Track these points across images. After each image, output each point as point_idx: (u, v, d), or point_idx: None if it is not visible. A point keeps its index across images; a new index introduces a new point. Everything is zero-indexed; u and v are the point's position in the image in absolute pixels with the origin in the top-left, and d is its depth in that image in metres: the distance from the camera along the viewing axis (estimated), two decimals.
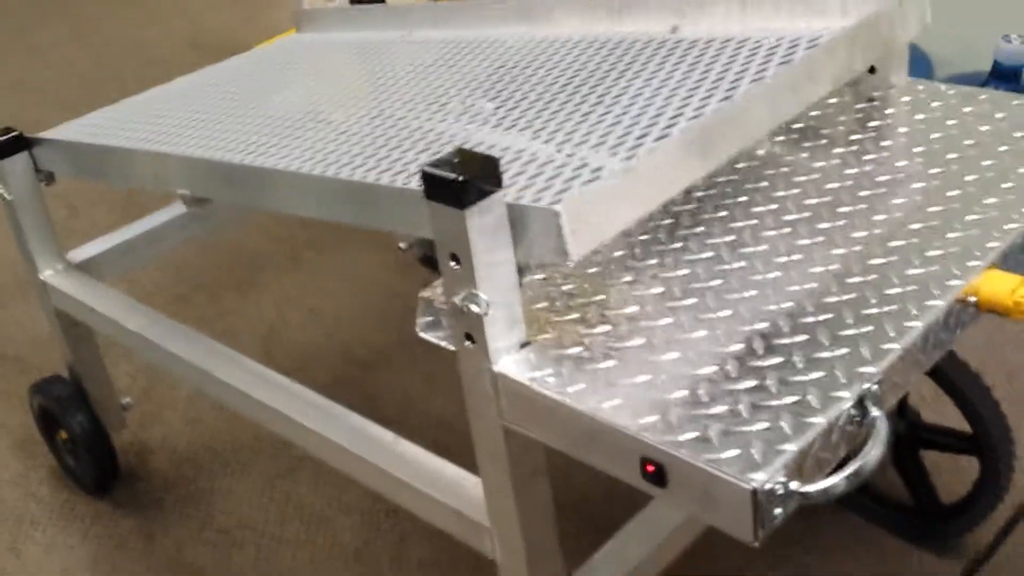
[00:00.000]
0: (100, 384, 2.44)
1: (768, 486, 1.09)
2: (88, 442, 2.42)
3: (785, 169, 1.62)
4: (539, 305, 1.41)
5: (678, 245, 1.49)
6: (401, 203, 1.41)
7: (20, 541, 2.40)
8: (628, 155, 1.37)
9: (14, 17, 5.65)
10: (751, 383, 1.22)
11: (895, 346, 1.24)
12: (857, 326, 1.28)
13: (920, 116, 1.72)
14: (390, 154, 1.57)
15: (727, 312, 1.34)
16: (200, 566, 2.28)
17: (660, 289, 1.40)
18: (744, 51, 1.61)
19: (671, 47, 1.72)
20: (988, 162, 1.57)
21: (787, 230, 1.48)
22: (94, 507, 2.47)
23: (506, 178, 1.38)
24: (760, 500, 1.09)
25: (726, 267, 1.42)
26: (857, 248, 1.42)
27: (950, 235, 1.42)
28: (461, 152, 1.25)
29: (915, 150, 1.62)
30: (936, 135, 1.66)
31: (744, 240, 1.47)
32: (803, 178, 1.59)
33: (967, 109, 1.72)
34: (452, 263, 1.26)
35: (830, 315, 1.30)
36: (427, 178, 1.23)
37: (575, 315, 1.38)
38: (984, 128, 1.66)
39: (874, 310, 1.30)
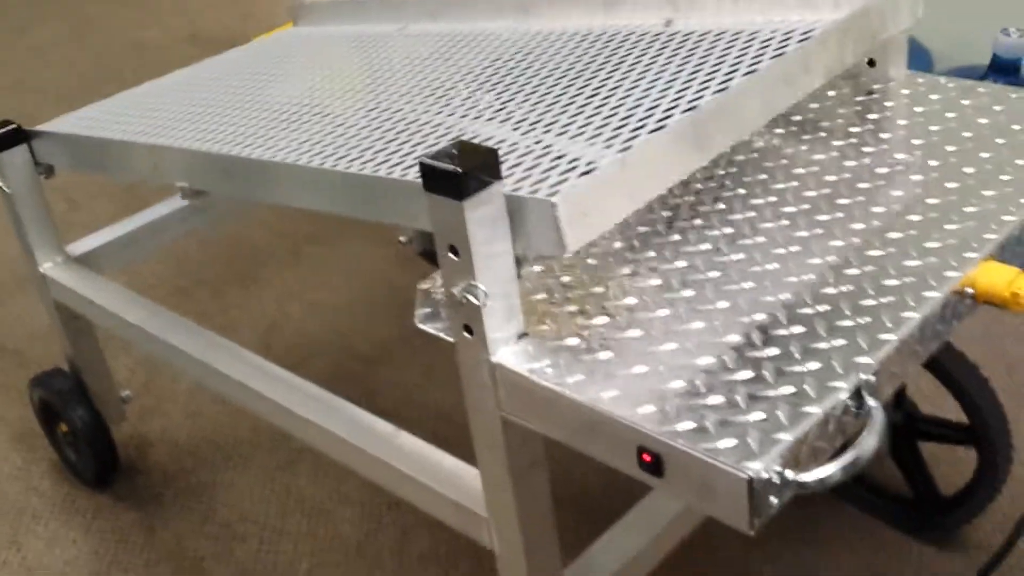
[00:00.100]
0: (100, 377, 2.44)
1: (764, 475, 1.10)
2: (88, 435, 2.43)
3: (784, 161, 1.63)
4: (537, 296, 1.41)
5: (676, 237, 1.49)
6: (400, 195, 1.42)
7: (21, 535, 2.41)
8: (623, 147, 1.37)
9: (13, 16, 5.65)
10: (748, 374, 1.22)
11: (892, 337, 1.24)
12: (854, 317, 1.28)
13: (919, 109, 1.72)
14: (387, 146, 1.58)
15: (725, 303, 1.34)
16: (201, 559, 2.29)
17: (658, 281, 1.40)
18: (738, 44, 1.61)
19: (665, 40, 1.72)
20: (986, 154, 1.57)
21: (786, 222, 1.48)
22: (95, 501, 2.47)
23: (503, 170, 1.38)
24: (756, 489, 1.10)
25: (724, 259, 1.42)
26: (855, 240, 1.42)
27: (948, 227, 1.42)
28: (460, 144, 1.25)
29: (914, 142, 1.63)
30: (935, 128, 1.66)
31: (743, 232, 1.47)
32: (802, 170, 1.60)
33: (966, 102, 1.72)
34: (451, 255, 1.26)
35: (827, 306, 1.31)
36: (426, 169, 1.24)
37: (573, 307, 1.38)
38: (983, 121, 1.66)
39: (871, 301, 1.30)
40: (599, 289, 1.41)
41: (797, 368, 1.22)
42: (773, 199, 1.54)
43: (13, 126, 2.17)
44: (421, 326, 1.42)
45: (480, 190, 1.22)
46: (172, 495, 2.46)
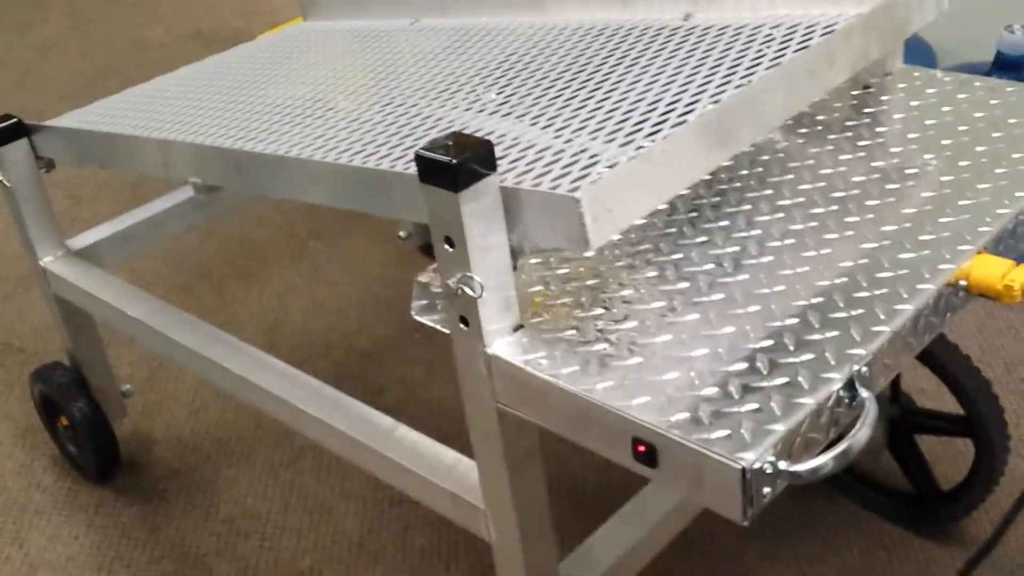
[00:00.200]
0: (100, 371, 2.45)
1: (757, 465, 1.10)
2: (88, 428, 2.43)
3: (780, 155, 1.63)
4: (533, 288, 1.42)
5: (672, 230, 1.49)
6: (400, 188, 1.42)
7: (24, 530, 2.41)
8: (645, 143, 1.36)
9: (16, 15, 5.66)
10: (742, 365, 1.23)
11: (885, 329, 1.25)
12: (848, 309, 1.29)
13: (915, 103, 1.72)
14: (401, 141, 1.58)
15: (719, 295, 1.35)
16: (204, 555, 2.29)
17: (654, 273, 1.41)
18: (759, 37, 1.60)
19: (684, 34, 1.71)
20: (982, 148, 1.58)
21: (781, 215, 1.49)
22: (98, 496, 2.48)
23: (521, 166, 1.38)
24: (749, 479, 1.10)
25: (719, 251, 1.43)
26: (850, 232, 1.43)
27: (942, 219, 1.43)
28: (456, 135, 1.26)
29: (910, 136, 1.63)
30: (931, 121, 1.66)
31: (737, 225, 1.48)
32: (798, 164, 1.60)
33: (962, 96, 1.73)
34: (446, 246, 1.27)
35: (821, 298, 1.31)
36: (421, 161, 1.24)
37: (569, 298, 1.39)
38: (979, 115, 1.67)
39: (865, 293, 1.31)
40: (595, 281, 1.42)
41: (790, 359, 1.22)
42: (768, 192, 1.54)
43: (14, 120, 2.18)
44: (418, 318, 1.43)
45: (475, 182, 1.23)
46: (175, 491, 2.46)
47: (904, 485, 2.13)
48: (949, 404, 1.99)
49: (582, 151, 1.39)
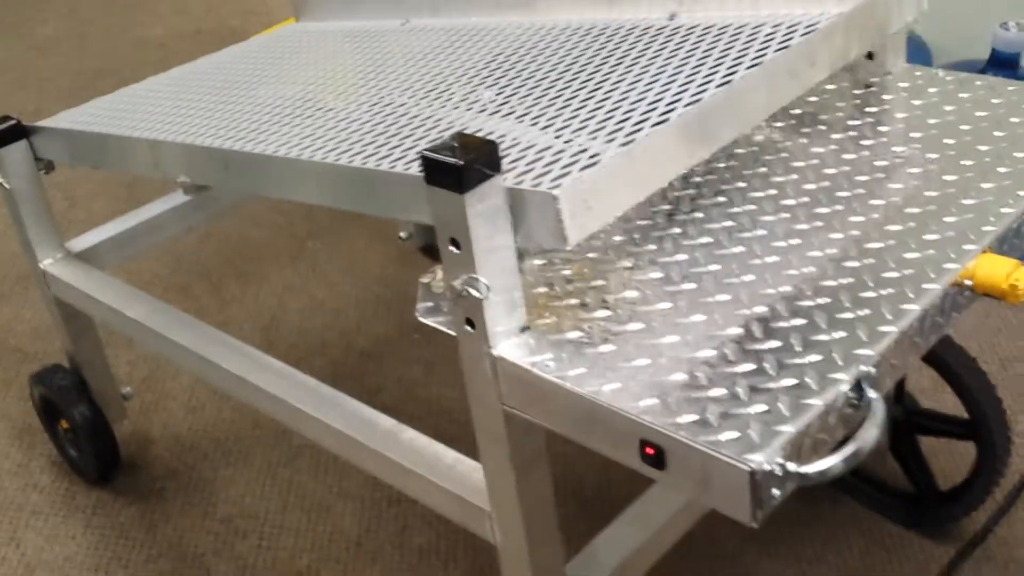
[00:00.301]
0: (100, 373, 2.45)
1: (766, 467, 1.10)
2: (89, 432, 2.43)
3: (783, 155, 1.63)
4: (538, 290, 1.42)
5: (677, 230, 1.49)
6: (401, 189, 1.42)
7: (21, 531, 2.41)
8: (626, 140, 1.37)
9: (14, 14, 5.64)
10: (749, 366, 1.22)
11: (892, 329, 1.25)
12: (854, 309, 1.29)
13: (917, 102, 1.72)
14: (389, 141, 1.58)
15: (726, 296, 1.34)
16: (202, 554, 2.29)
17: (659, 274, 1.41)
18: (742, 37, 1.61)
19: (669, 34, 1.72)
20: (984, 147, 1.58)
21: (785, 215, 1.48)
22: (95, 496, 2.47)
23: (505, 164, 1.39)
24: (758, 481, 1.10)
25: (724, 252, 1.43)
26: (855, 233, 1.42)
27: (947, 219, 1.43)
28: (461, 137, 1.26)
29: (912, 135, 1.63)
30: (933, 121, 1.66)
31: (743, 225, 1.48)
32: (801, 164, 1.60)
33: (964, 95, 1.73)
34: (452, 248, 1.27)
35: (828, 299, 1.31)
36: (427, 162, 1.24)
37: (574, 300, 1.39)
38: (981, 114, 1.67)
39: (871, 294, 1.31)
40: (600, 282, 1.41)
41: (798, 360, 1.22)
42: (773, 192, 1.54)
43: (13, 121, 2.17)
44: (422, 320, 1.42)
45: (481, 183, 1.23)
46: (173, 490, 2.46)
47: (904, 484, 2.13)
48: (948, 403, 1.99)
49: (565, 148, 1.39)
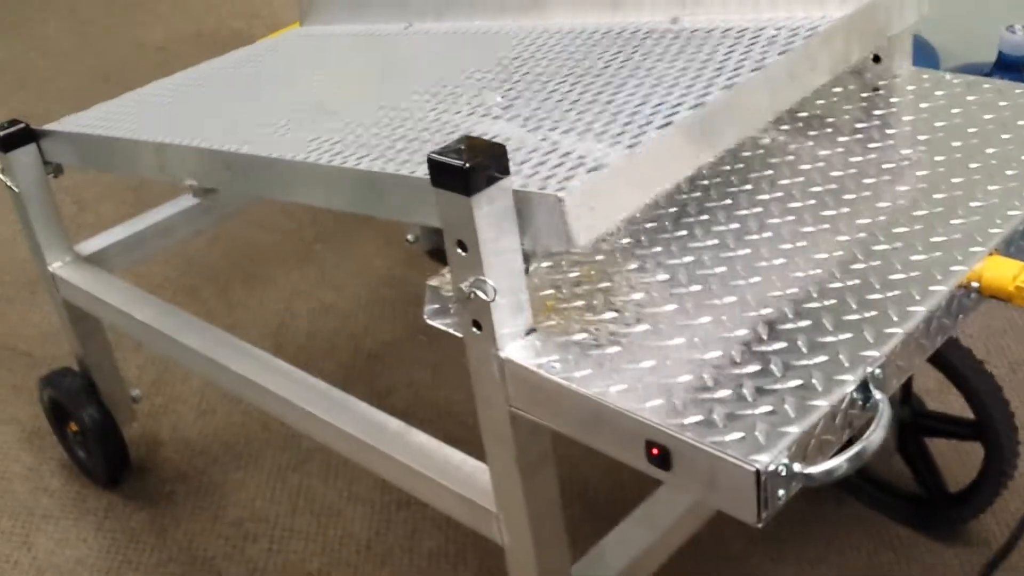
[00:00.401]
0: (109, 376, 2.45)
1: (772, 468, 1.10)
2: (98, 434, 2.43)
3: (790, 157, 1.63)
4: (545, 292, 1.42)
5: (683, 233, 1.50)
6: (408, 191, 1.43)
7: (32, 534, 2.42)
8: (631, 144, 1.37)
9: (16, 18, 5.65)
10: (755, 367, 1.23)
11: (898, 330, 1.25)
12: (861, 311, 1.29)
13: (924, 105, 1.72)
14: (395, 144, 1.58)
15: (732, 298, 1.35)
16: (212, 558, 2.29)
17: (665, 276, 1.41)
18: (744, 40, 1.62)
19: (672, 37, 1.72)
20: (991, 150, 1.58)
21: (792, 217, 1.49)
22: (106, 500, 2.48)
23: (511, 167, 1.39)
24: (764, 482, 1.10)
25: (731, 254, 1.43)
26: (861, 235, 1.43)
27: (953, 221, 1.43)
28: (468, 139, 1.26)
29: (919, 138, 1.63)
30: (940, 123, 1.67)
31: (749, 227, 1.48)
32: (808, 166, 1.60)
33: (971, 98, 1.73)
34: (459, 250, 1.27)
35: (834, 300, 1.31)
36: (434, 165, 1.25)
37: (581, 302, 1.39)
38: (988, 116, 1.67)
39: (877, 295, 1.31)
40: (607, 284, 1.42)
41: (804, 361, 1.22)
42: (779, 194, 1.54)
43: (22, 125, 2.18)
44: (430, 322, 1.43)
45: (488, 186, 1.23)
46: (183, 494, 2.46)
47: (913, 487, 2.13)
48: (955, 404, 1.99)
49: (570, 151, 1.40)
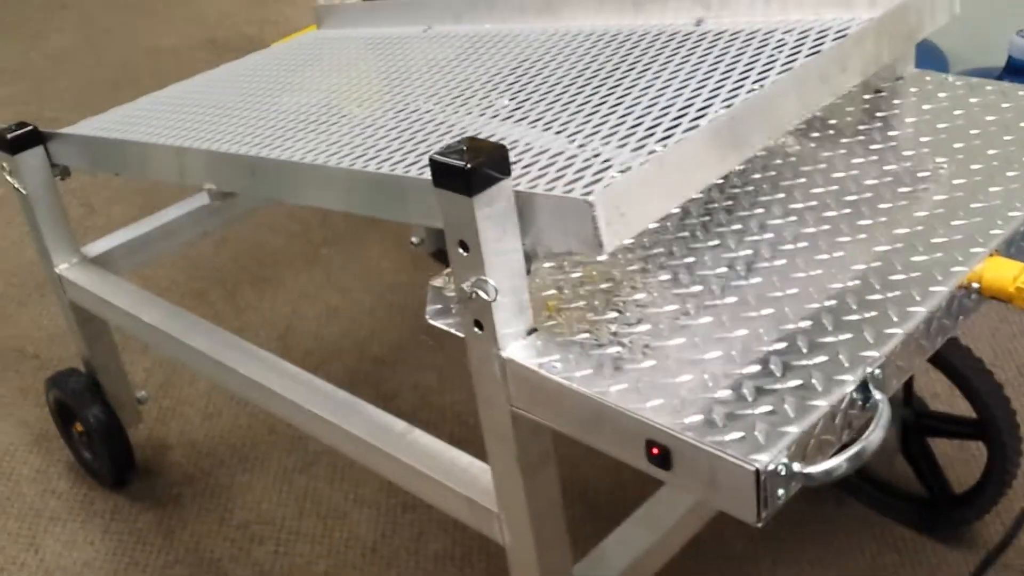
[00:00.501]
0: (115, 377, 2.46)
1: (771, 467, 1.11)
2: (103, 435, 2.44)
3: (792, 159, 1.64)
4: (547, 292, 1.42)
5: (685, 233, 1.50)
6: (415, 193, 1.43)
7: (39, 536, 2.42)
8: (657, 148, 1.37)
9: (30, 25, 5.68)
10: (756, 367, 1.23)
11: (898, 331, 1.25)
12: (861, 312, 1.29)
13: (927, 107, 1.73)
14: (415, 147, 1.58)
15: (733, 299, 1.35)
16: (218, 560, 2.30)
17: (667, 276, 1.41)
18: (772, 42, 1.60)
19: (696, 39, 1.71)
20: (993, 151, 1.58)
21: (793, 219, 1.49)
22: (113, 502, 2.49)
23: (534, 171, 1.39)
24: (763, 481, 1.11)
25: (732, 255, 1.43)
26: (862, 236, 1.43)
27: (954, 222, 1.43)
28: (469, 140, 1.27)
29: (922, 140, 1.63)
30: (943, 125, 1.67)
31: (750, 228, 1.48)
32: (810, 167, 1.61)
33: (974, 100, 1.73)
34: (461, 250, 1.28)
35: (835, 301, 1.31)
36: (435, 166, 1.25)
37: (582, 302, 1.40)
38: (990, 118, 1.67)
39: (878, 296, 1.31)
40: (608, 285, 1.42)
41: (804, 361, 1.23)
42: (781, 196, 1.55)
43: (29, 128, 2.19)
44: (432, 322, 1.43)
45: (489, 186, 1.24)
46: (190, 496, 2.47)
47: (916, 488, 2.13)
48: (962, 408, 1.99)
49: (595, 156, 1.39)
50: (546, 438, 1.40)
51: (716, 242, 1.47)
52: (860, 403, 1.20)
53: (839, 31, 1.57)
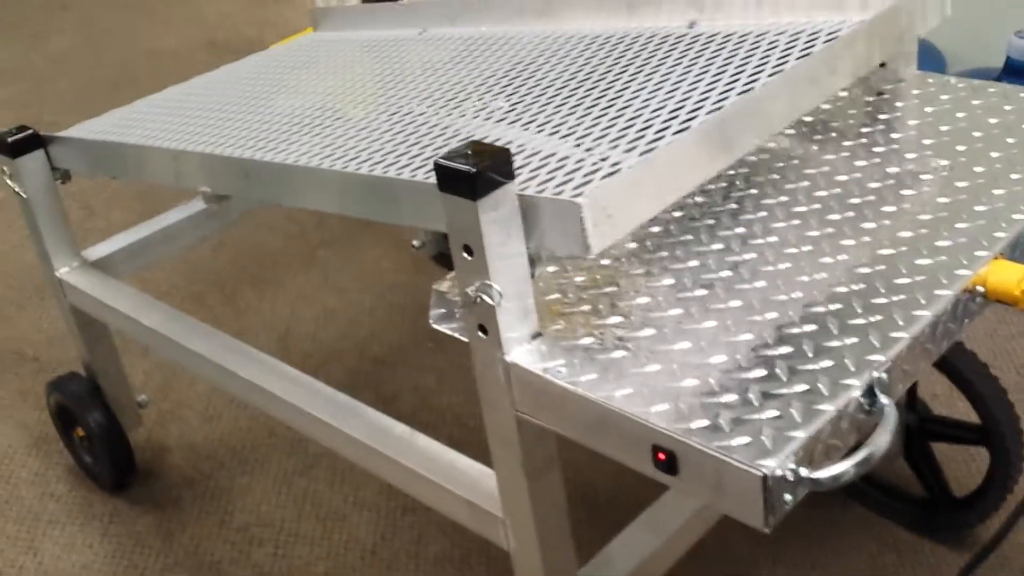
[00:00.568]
0: (116, 381, 2.46)
1: (778, 472, 1.10)
2: (104, 439, 2.44)
3: (795, 162, 1.63)
4: (551, 296, 1.42)
5: (689, 237, 1.50)
6: (416, 196, 1.43)
7: (38, 540, 2.42)
8: (647, 149, 1.37)
9: (30, 26, 5.67)
10: (761, 372, 1.23)
11: (903, 335, 1.25)
12: (866, 316, 1.29)
13: (929, 109, 1.72)
14: (407, 149, 1.58)
15: (738, 303, 1.35)
16: (218, 562, 2.29)
17: (671, 280, 1.41)
18: (763, 44, 1.61)
19: (689, 42, 1.72)
20: (996, 153, 1.58)
21: (797, 222, 1.49)
22: (112, 505, 2.48)
23: (525, 173, 1.39)
24: (770, 486, 1.10)
25: (736, 258, 1.43)
26: (866, 239, 1.43)
27: (958, 225, 1.43)
28: (474, 144, 1.27)
29: (924, 142, 1.63)
30: (945, 127, 1.66)
31: (754, 232, 1.48)
32: (813, 170, 1.60)
33: (976, 102, 1.73)
34: (465, 254, 1.27)
35: (839, 305, 1.31)
36: (440, 170, 1.25)
37: (587, 306, 1.39)
38: (993, 120, 1.67)
39: (883, 300, 1.31)
40: (613, 289, 1.42)
41: (810, 366, 1.22)
42: (784, 199, 1.54)
43: (29, 131, 2.19)
44: (436, 326, 1.43)
45: (494, 190, 1.23)
46: (189, 499, 2.47)
47: (918, 491, 2.13)
48: (961, 410, 1.99)
49: (586, 157, 1.40)
50: (551, 442, 1.40)
51: (720, 246, 1.46)
52: (867, 407, 1.20)
53: (830, 33, 1.58)
